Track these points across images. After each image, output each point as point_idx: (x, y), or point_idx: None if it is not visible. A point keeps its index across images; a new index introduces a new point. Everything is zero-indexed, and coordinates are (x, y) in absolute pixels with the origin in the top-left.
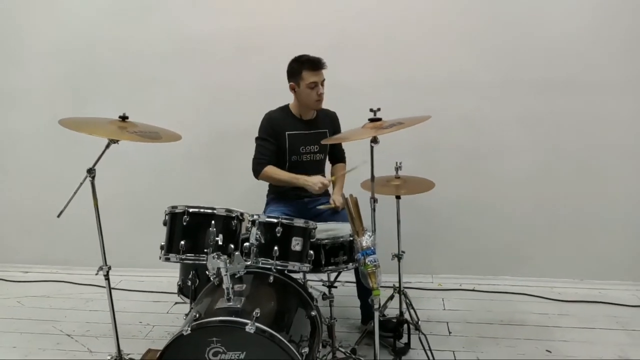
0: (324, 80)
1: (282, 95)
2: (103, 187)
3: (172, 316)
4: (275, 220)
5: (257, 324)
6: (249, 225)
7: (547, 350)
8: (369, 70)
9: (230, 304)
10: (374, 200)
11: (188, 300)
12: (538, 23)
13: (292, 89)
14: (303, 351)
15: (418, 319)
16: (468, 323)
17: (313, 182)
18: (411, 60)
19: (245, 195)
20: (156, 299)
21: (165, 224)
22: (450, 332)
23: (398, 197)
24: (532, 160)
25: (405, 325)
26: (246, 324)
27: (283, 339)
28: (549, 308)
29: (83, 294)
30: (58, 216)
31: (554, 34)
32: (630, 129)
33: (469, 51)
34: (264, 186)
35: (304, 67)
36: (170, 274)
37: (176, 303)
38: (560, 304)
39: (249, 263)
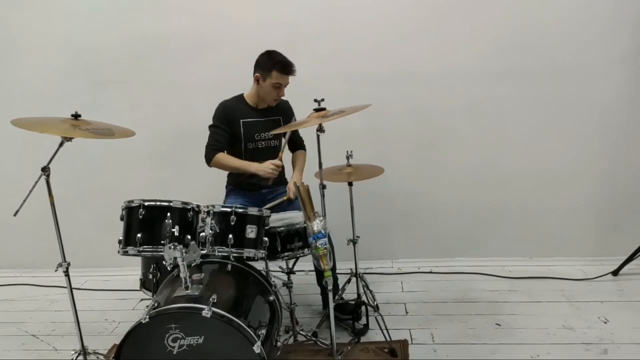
0: (287, 84)
1: (239, 92)
2: (67, 188)
3: (138, 312)
4: (229, 210)
5: (214, 308)
6: (205, 216)
7: (496, 324)
8: (321, 64)
9: (188, 291)
10: (322, 187)
11: (151, 294)
12: (487, 11)
13: (256, 80)
14: (260, 333)
15: (375, 301)
16: (424, 303)
17: (264, 168)
18: (360, 53)
19: (207, 190)
20: (122, 296)
21: (122, 218)
22: (407, 312)
23: (350, 184)
24: (479, 146)
25: (364, 307)
26: (203, 309)
27: (241, 323)
28: (500, 285)
29: (48, 296)
30: (14, 215)
31: (501, 22)
32: (571, 113)
33: (417, 42)
34: (224, 180)
35: (275, 67)
36: (136, 272)
37: (142, 299)
38: (511, 280)
39: (204, 252)
